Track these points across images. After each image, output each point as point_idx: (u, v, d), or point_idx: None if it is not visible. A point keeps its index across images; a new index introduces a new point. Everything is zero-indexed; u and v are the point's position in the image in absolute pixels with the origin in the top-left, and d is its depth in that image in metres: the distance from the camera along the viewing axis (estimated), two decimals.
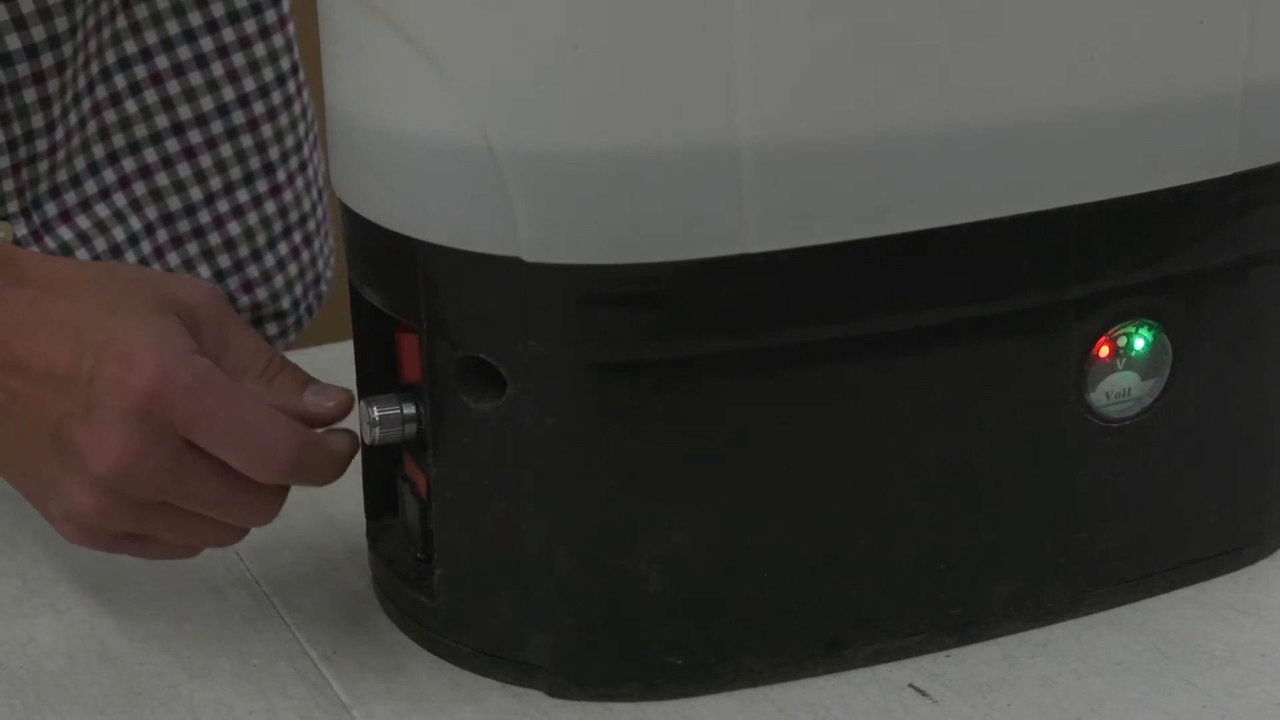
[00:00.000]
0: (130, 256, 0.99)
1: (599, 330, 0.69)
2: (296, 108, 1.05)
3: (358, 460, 0.80)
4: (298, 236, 1.07)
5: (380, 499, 0.81)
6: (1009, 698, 0.74)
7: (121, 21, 0.96)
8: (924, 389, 0.73)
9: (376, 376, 0.77)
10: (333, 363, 0.84)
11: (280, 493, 0.74)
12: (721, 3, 0.65)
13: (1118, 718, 0.73)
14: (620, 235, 0.68)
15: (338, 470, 0.74)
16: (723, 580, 0.73)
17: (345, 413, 0.75)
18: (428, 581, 0.76)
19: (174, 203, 1.01)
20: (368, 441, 0.75)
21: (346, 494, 0.82)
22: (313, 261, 1.09)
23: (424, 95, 0.68)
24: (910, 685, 0.75)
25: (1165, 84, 0.72)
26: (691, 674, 0.74)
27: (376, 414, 0.74)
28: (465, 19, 0.67)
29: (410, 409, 0.74)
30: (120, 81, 0.97)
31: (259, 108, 1.02)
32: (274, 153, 1.03)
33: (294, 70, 1.04)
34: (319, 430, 0.74)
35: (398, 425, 0.74)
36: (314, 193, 1.09)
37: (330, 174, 0.75)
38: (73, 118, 0.95)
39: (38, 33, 0.91)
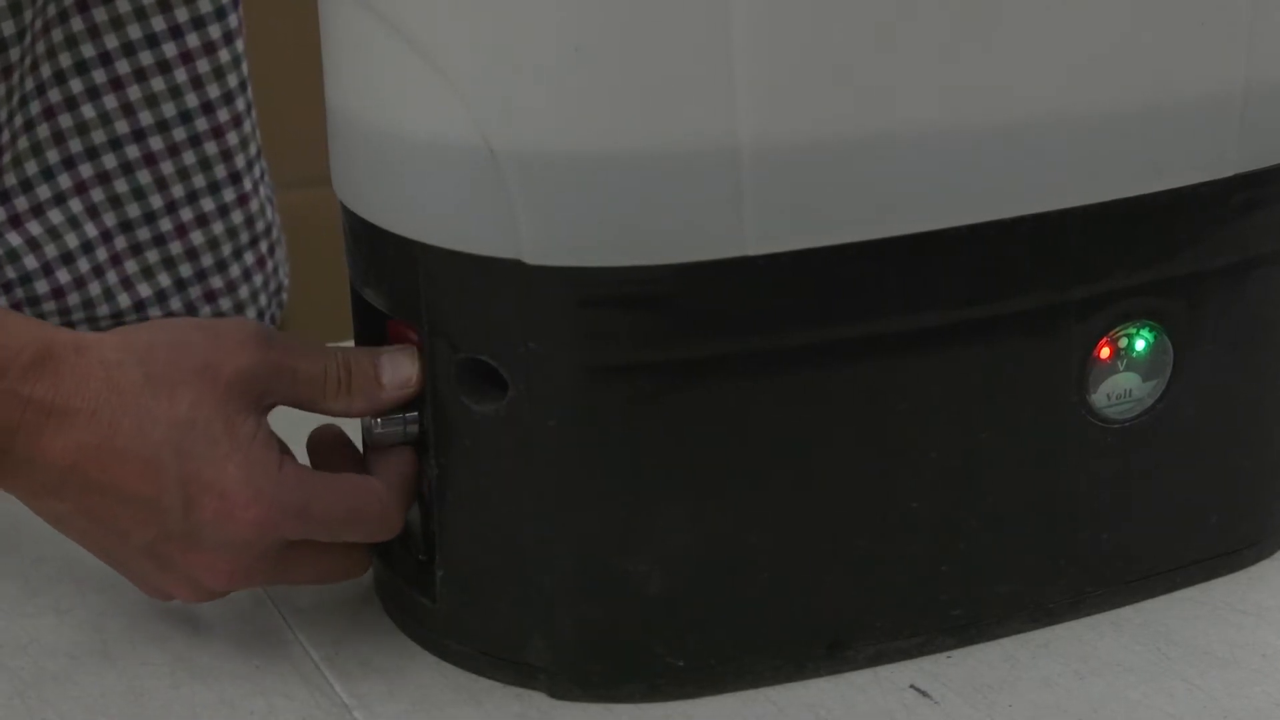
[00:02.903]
0: (84, 263, 0.98)
1: (600, 332, 0.69)
2: (254, 114, 1.04)
3: None
4: (263, 246, 1.06)
5: None
6: (1010, 698, 0.74)
7: (78, 25, 0.94)
8: (925, 390, 0.73)
9: None
10: None
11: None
12: (721, 5, 0.65)
13: (1119, 718, 0.73)
14: (621, 238, 0.68)
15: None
16: (724, 581, 0.73)
17: (421, 371, 0.74)
18: (429, 582, 0.76)
19: (133, 210, 0.99)
20: (369, 443, 0.75)
21: None
22: (275, 270, 1.08)
23: (425, 97, 0.68)
24: (911, 686, 0.75)
25: (1166, 85, 0.72)
26: (692, 675, 0.74)
27: (378, 416, 0.74)
28: (466, 21, 0.67)
29: (412, 410, 0.74)
30: (76, 85, 0.95)
31: (224, 114, 1.00)
32: (240, 161, 1.02)
33: (249, 75, 1.03)
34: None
35: (399, 426, 0.74)
36: (273, 201, 1.08)
37: (331, 175, 0.75)
38: (18, 120, 0.94)
39: None
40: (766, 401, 0.71)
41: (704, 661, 0.74)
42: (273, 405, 0.73)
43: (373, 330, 0.76)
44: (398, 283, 0.73)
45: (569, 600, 0.73)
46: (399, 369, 0.74)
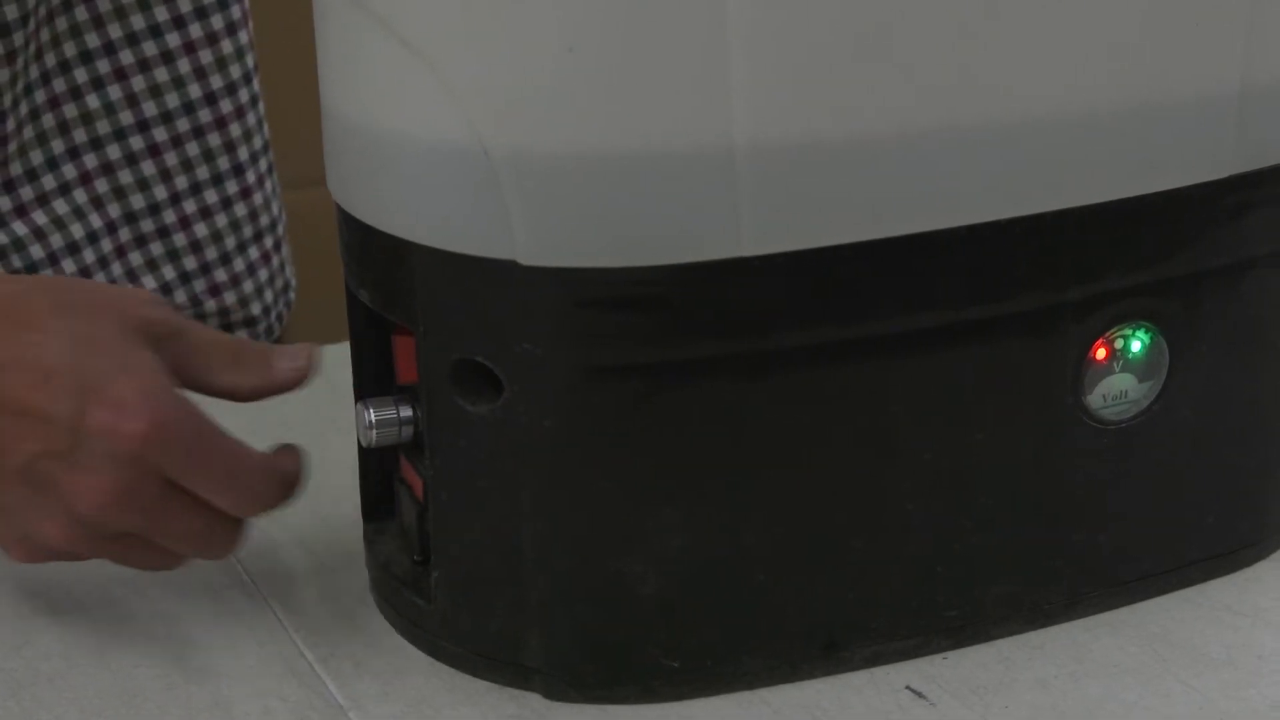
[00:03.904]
0: (89, 254, 0.98)
1: (595, 333, 0.69)
2: (261, 108, 1.04)
3: (355, 462, 0.80)
4: (269, 241, 1.06)
5: (377, 501, 0.81)
6: (1006, 700, 0.74)
7: (82, 14, 0.95)
8: (920, 391, 0.73)
9: (373, 379, 0.77)
10: (329, 365, 0.84)
11: (245, 525, 0.75)
12: (717, 5, 0.65)
13: None
14: (616, 239, 0.68)
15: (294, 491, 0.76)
16: (719, 582, 0.73)
17: (315, 365, 0.74)
18: (425, 584, 0.76)
19: (137, 200, 1.00)
20: (364, 444, 0.75)
21: (344, 496, 0.82)
22: (281, 267, 1.08)
23: (419, 98, 0.68)
24: (907, 687, 0.75)
25: (1162, 86, 0.72)
26: (688, 676, 0.74)
27: (373, 416, 0.74)
28: (460, 22, 0.67)
29: (407, 411, 0.74)
30: (81, 75, 0.96)
31: (226, 105, 1.00)
32: (243, 153, 1.02)
33: (256, 68, 1.03)
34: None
35: (394, 428, 0.74)
36: (279, 197, 1.08)
37: (326, 176, 0.75)
38: (24, 108, 0.94)
39: None
40: (762, 402, 0.71)
41: (699, 662, 0.74)
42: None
43: (369, 330, 0.76)
44: (393, 284, 0.72)
45: (564, 601, 0.73)
46: (294, 355, 0.75)
